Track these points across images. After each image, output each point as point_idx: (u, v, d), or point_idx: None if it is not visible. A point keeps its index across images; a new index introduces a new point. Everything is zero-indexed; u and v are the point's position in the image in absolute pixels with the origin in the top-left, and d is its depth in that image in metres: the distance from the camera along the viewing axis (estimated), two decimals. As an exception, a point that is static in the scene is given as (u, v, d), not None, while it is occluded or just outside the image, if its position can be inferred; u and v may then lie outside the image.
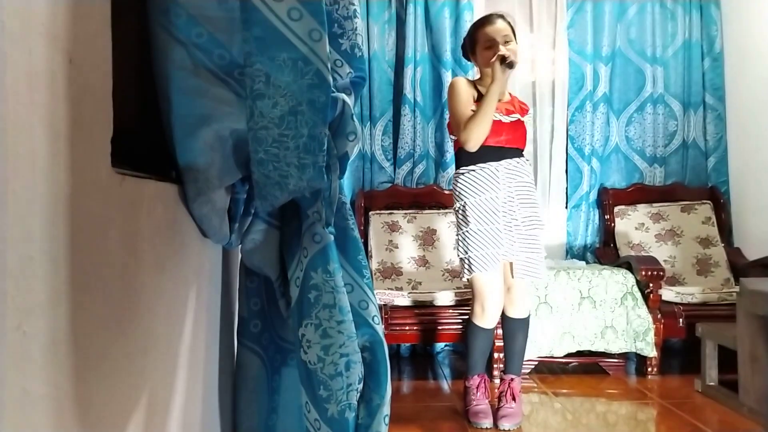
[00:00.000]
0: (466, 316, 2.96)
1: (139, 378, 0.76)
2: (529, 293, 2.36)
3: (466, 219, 2.25)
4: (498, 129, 2.25)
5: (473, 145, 2.19)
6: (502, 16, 2.30)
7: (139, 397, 0.75)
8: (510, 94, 2.39)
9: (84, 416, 0.61)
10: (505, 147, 2.27)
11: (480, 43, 2.27)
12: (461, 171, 2.29)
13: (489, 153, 2.25)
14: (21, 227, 0.50)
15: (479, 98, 2.26)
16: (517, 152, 2.31)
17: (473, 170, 2.26)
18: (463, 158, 2.28)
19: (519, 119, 2.31)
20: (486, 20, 2.30)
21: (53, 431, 0.56)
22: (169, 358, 0.88)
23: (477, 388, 2.34)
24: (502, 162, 2.25)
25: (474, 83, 2.35)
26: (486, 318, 2.28)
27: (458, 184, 2.29)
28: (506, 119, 2.28)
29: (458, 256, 2.35)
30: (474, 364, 2.36)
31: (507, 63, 2.18)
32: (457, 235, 2.34)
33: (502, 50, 2.17)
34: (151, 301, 0.79)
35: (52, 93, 0.55)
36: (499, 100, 2.26)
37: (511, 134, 2.28)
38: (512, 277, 2.29)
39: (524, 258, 2.25)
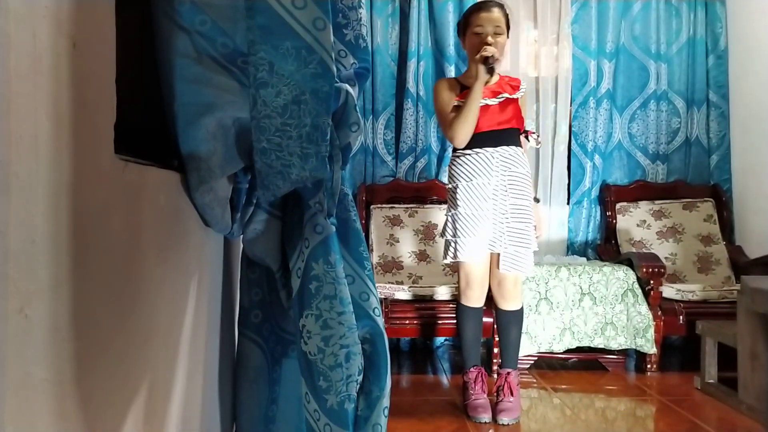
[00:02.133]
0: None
1: (140, 365, 0.76)
2: (520, 285, 2.36)
3: (455, 202, 2.32)
4: (487, 113, 2.28)
5: (459, 142, 2.28)
6: (500, 5, 2.31)
7: (140, 384, 0.75)
8: (499, 75, 2.40)
9: (85, 402, 0.61)
10: (498, 130, 2.29)
11: (470, 27, 2.29)
12: (458, 154, 2.35)
13: (485, 139, 2.28)
14: (23, 210, 0.50)
15: (463, 90, 2.31)
16: (514, 133, 2.32)
17: (469, 155, 2.30)
18: None
19: (507, 98, 2.31)
20: (482, 5, 2.31)
21: (54, 416, 0.56)
22: (170, 346, 0.88)
23: (475, 381, 2.34)
24: (498, 149, 2.28)
25: (457, 79, 2.42)
26: (471, 294, 2.32)
27: (453, 167, 2.37)
28: (493, 102, 2.29)
29: (444, 236, 2.40)
30: (468, 354, 2.38)
31: (488, 67, 2.19)
32: (446, 215, 2.40)
33: (488, 50, 2.18)
34: (152, 288, 0.79)
35: (55, 77, 0.55)
36: (487, 85, 2.30)
37: (501, 115, 2.30)
38: (498, 268, 2.29)
39: (512, 251, 2.26)
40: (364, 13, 1.02)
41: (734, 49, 3.63)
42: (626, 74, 3.69)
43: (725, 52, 3.66)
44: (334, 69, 0.84)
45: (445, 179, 3.57)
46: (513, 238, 2.26)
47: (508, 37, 2.32)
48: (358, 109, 0.99)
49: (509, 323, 2.34)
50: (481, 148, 2.28)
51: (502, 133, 2.29)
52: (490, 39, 2.22)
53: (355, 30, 1.00)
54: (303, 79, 0.82)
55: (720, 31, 3.65)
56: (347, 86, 0.96)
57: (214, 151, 0.88)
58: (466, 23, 2.33)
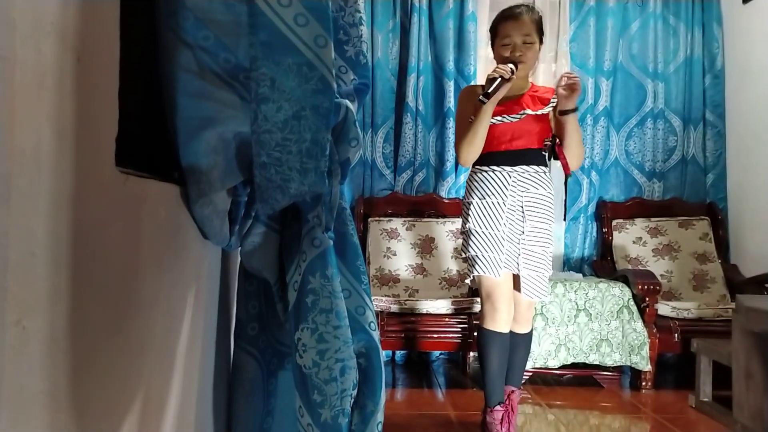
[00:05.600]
0: (464, 325, 2.97)
1: (135, 377, 0.76)
2: (533, 310, 2.28)
3: (468, 218, 2.20)
4: (504, 132, 2.13)
5: (463, 162, 2.16)
6: (531, 10, 2.13)
7: (135, 396, 0.75)
8: (533, 84, 2.22)
9: (80, 414, 0.61)
10: (517, 150, 2.14)
11: (498, 38, 2.12)
12: (476, 169, 2.21)
13: (503, 157, 2.15)
14: (24, 223, 0.51)
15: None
16: (535, 153, 2.16)
17: (485, 171, 2.17)
18: (480, 157, 2.17)
19: (529, 114, 2.13)
20: (511, 13, 2.11)
21: (50, 428, 0.56)
22: (166, 358, 0.88)
23: (501, 423, 2.12)
24: (516, 168, 2.13)
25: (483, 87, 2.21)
26: (497, 318, 2.12)
27: (470, 182, 2.23)
28: (511, 119, 2.13)
29: (461, 254, 2.29)
30: (492, 388, 2.14)
31: (495, 86, 1.98)
32: (461, 233, 2.28)
33: (498, 70, 2.00)
34: (150, 300, 0.79)
35: (59, 91, 0.56)
36: (510, 98, 2.12)
37: (521, 134, 2.13)
38: (515, 290, 2.19)
39: (526, 274, 2.15)
40: (365, 29, 1.03)
41: (731, 69, 3.66)
42: (623, 92, 3.71)
43: (722, 71, 3.69)
44: (335, 85, 0.85)
45: (442, 193, 3.59)
46: (528, 261, 2.14)
47: (542, 42, 2.14)
48: (357, 125, 0.99)
49: (517, 345, 2.23)
50: (498, 166, 2.15)
51: (522, 153, 2.14)
52: (518, 53, 2.05)
53: (356, 46, 1.01)
54: (304, 95, 0.83)
55: (717, 51, 3.69)
56: (347, 102, 0.96)
57: (215, 165, 0.89)
58: (494, 32, 2.15)
